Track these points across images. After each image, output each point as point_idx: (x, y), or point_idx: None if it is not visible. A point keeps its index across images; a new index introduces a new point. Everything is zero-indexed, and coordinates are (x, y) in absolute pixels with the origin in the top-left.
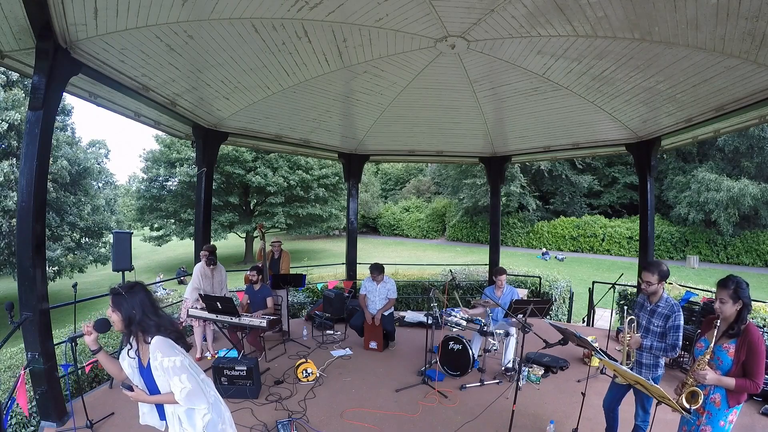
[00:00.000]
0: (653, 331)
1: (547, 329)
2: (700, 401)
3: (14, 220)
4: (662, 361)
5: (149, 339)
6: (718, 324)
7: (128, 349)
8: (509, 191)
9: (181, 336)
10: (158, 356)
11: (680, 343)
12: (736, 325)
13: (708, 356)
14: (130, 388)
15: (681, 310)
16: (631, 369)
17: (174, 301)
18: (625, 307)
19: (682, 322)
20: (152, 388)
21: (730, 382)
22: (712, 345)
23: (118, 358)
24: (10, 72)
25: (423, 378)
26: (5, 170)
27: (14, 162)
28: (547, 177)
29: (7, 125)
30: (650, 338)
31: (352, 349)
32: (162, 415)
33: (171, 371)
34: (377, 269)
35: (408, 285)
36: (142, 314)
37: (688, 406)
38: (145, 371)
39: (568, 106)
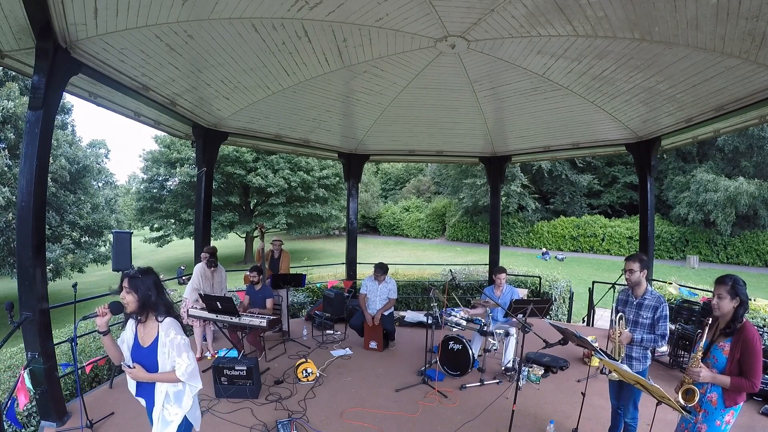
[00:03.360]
0: (642, 324)
1: (547, 329)
2: (696, 399)
3: (10, 215)
4: (650, 353)
5: (160, 318)
6: (710, 322)
7: (132, 324)
8: (509, 191)
9: (181, 322)
10: (171, 333)
11: (668, 333)
12: (733, 324)
13: (700, 354)
14: (130, 367)
15: (666, 301)
16: (622, 363)
17: (174, 301)
18: (613, 305)
19: (668, 312)
20: (147, 367)
21: (725, 380)
22: (702, 342)
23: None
24: (8, 74)
25: (423, 378)
26: None
27: (7, 154)
28: (547, 177)
29: (1, 115)
30: (640, 331)
31: (352, 349)
32: (139, 392)
33: (182, 347)
34: (381, 269)
35: (408, 285)
36: (157, 296)
37: (684, 403)
38: (142, 351)
39: (568, 106)
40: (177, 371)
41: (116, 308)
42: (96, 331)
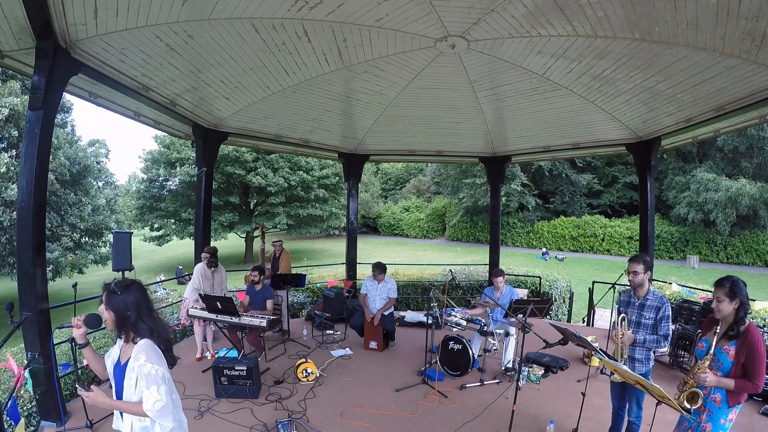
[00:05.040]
0: (645, 324)
1: (547, 329)
2: (700, 402)
3: (15, 214)
4: (653, 354)
5: (137, 340)
6: (718, 328)
7: (121, 339)
8: (509, 190)
9: (169, 348)
10: (141, 358)
11: (671, 333)
12: (736, 326)
13: (709, 360)
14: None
15: (669, 302)
16: (624, 364)
17: (174, 301)
18: (615, 306)
19: (671, 313)
20: (120, 390)
21: (730, 383)
22: (713, 349)
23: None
24: (7, 72)
25: (423, 378)
26: (5, 161)
27: (14, 154)
28: (547, 176)
29: (7, 111)
30: (642, 332)
31: (352, 349)
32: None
33: (151, 378)
34: (379, 268)
35: (408, 285)
36: (137, 317)
37: (689, 406)
38: (119, 369)
39: (568, 106)
40: (144, 404)
41: (92, 322)
42: (96, 331)
